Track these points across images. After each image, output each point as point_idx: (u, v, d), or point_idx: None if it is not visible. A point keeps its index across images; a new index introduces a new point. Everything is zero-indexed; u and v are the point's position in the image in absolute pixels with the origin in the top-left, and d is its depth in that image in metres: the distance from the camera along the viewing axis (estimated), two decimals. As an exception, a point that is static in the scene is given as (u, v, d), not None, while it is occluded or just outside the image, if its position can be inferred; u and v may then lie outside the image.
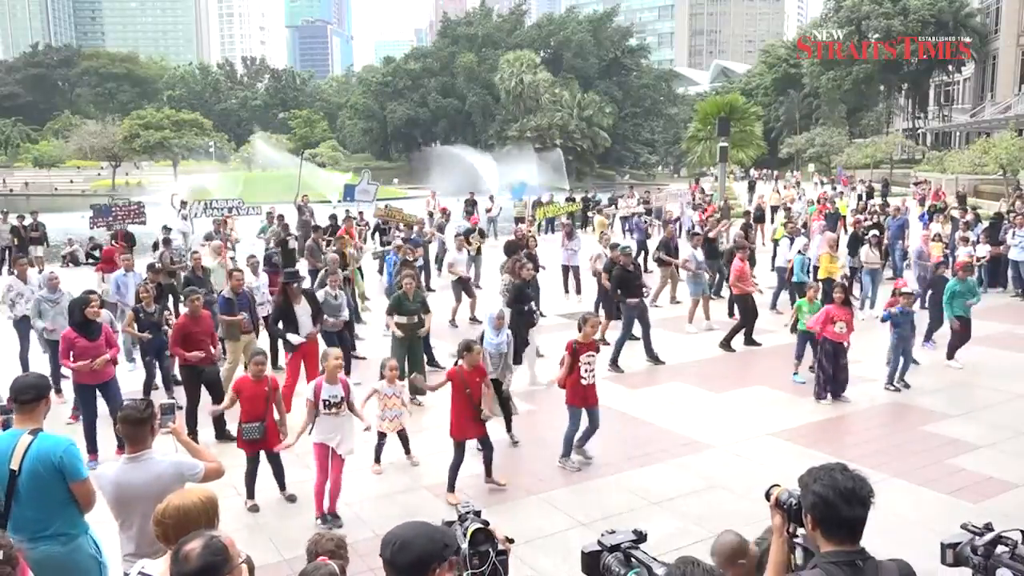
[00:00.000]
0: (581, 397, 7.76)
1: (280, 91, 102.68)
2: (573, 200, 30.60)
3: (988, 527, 2.43)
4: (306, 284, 15.38)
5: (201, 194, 35.41)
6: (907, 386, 10.24)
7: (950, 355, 11.29)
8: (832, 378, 9.73)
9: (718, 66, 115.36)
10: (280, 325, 9.71)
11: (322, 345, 9.33)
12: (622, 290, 12.09)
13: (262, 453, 6.96)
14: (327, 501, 6.65)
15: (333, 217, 20.54)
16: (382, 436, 7.79)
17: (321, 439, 6.63)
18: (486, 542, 2.51)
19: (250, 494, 6.96)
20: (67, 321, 8.53)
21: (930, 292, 12.68)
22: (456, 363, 7.25)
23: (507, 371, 8.61)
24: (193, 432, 8.10)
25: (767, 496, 2.79)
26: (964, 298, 11.17)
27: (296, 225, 20.48)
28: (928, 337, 12.12)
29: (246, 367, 7.55)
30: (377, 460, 7.83)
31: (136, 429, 4.12)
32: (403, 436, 7.90)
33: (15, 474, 4.06)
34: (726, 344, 12.43)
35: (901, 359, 10.26)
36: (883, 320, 10.45)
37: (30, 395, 4.31)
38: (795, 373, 10.69)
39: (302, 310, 9.65)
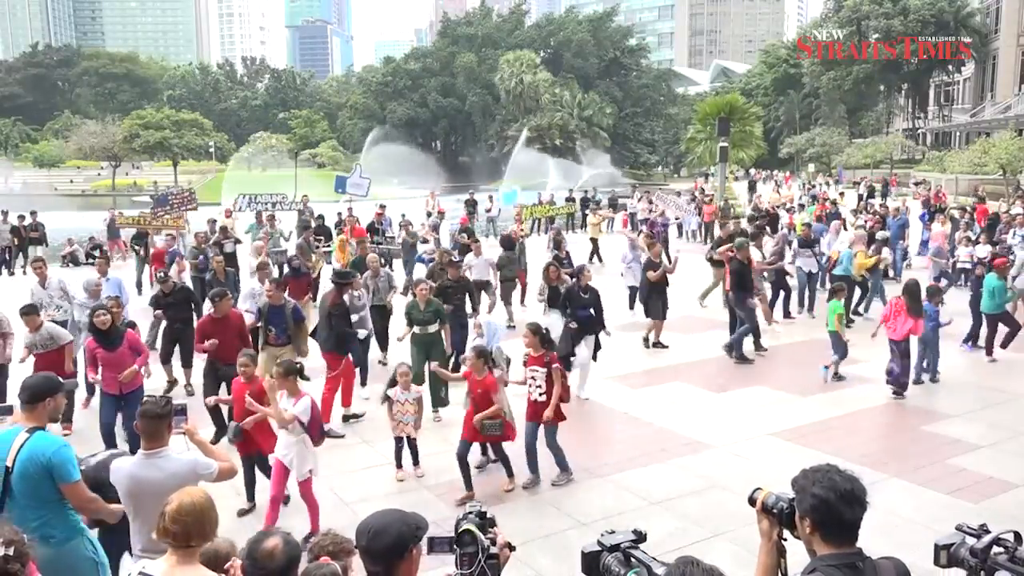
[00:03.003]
0: (527, 411, 7.37)
1: (280, 91, 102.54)
2: (573, 200, 30.52)
3: (984, 528, 2.41)
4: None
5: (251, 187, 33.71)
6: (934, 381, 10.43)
7: (988, 352, 11.48)
8: (904, 373, 9.79)
9: (718, 66, 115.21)
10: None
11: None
12: (741, 286, 11.58)
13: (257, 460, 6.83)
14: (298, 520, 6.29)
15: (336, 215, 20.38)
16: (399, 440, 7.67)
17: (277, 454, 6.37)
18: (472, 543, 2.51)
19: (249, 496, 6.95)
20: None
21: (970, 295, 12.80)
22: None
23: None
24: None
25: (751, 501, 2.70)
26: (1003, 294, 11.37)
27: (295, 225, 20.50)
28: (971, 340, 12.07)
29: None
30: (399, 465, 7.68)
31: (155, 424, 4.16)
32: (413, 445, 7.71)
33: (8, 471, 4.07)
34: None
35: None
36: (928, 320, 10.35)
37: (27, 395, 4.34)
38: (827, 368, 10.62)
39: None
